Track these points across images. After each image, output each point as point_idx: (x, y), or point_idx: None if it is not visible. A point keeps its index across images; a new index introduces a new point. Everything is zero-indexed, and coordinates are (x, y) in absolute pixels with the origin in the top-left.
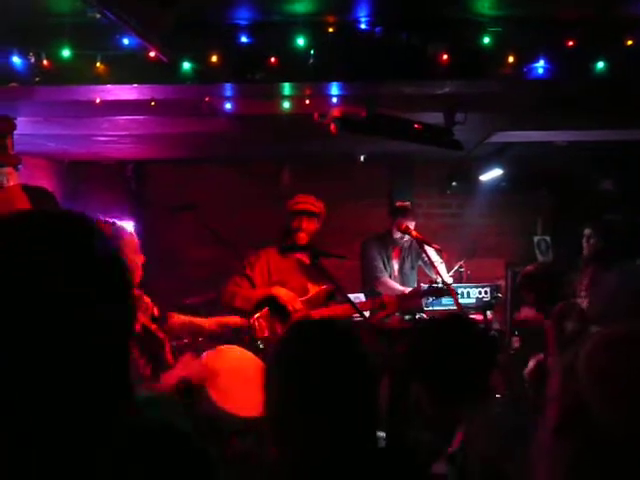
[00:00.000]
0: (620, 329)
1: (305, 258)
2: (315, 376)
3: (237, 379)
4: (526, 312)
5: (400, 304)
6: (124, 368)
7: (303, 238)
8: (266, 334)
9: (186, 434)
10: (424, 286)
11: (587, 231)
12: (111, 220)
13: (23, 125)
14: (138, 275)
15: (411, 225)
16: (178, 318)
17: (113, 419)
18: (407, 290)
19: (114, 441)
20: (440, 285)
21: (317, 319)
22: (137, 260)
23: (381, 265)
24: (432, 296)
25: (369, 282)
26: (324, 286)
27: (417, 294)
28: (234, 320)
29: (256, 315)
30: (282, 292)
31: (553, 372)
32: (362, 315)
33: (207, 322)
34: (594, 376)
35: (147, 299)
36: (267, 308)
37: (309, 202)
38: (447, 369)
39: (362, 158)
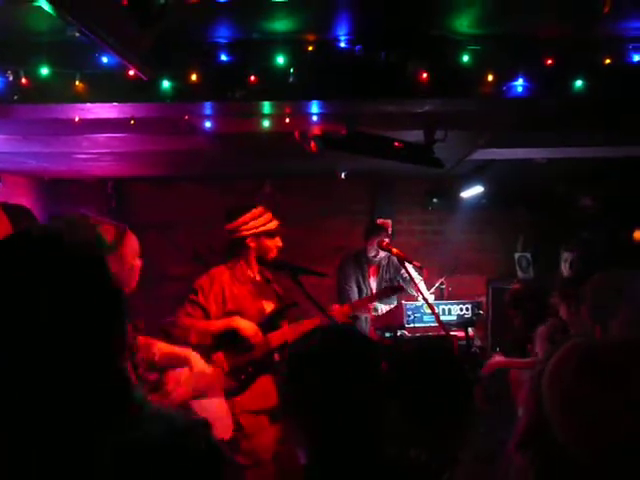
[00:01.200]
0: (584, 345)
1: (257, 275)
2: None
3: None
4: (497, 359)
5: (350, 311)
6: (116, 381)
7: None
8: (227, 369)
9: (190, 452)
10: (405, 304)
11: (566, 255)
12: (114, 222)
13: (2, 143)
14: (135, 280)
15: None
16: (159, 349)
17: (101, 434)
18: (382, 308)
19: (97, 457)
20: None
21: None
22: (136, 264)
23: (352, 286)
24: (385, 297)
25: (339, 302)
26: (273, 306)
27: (370, 299)
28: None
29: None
30: (243, 324)
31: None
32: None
33: (193, 359)
34: (556, 396)
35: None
36: (214, 340)
37: (273, 218)
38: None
39: (343, 175)
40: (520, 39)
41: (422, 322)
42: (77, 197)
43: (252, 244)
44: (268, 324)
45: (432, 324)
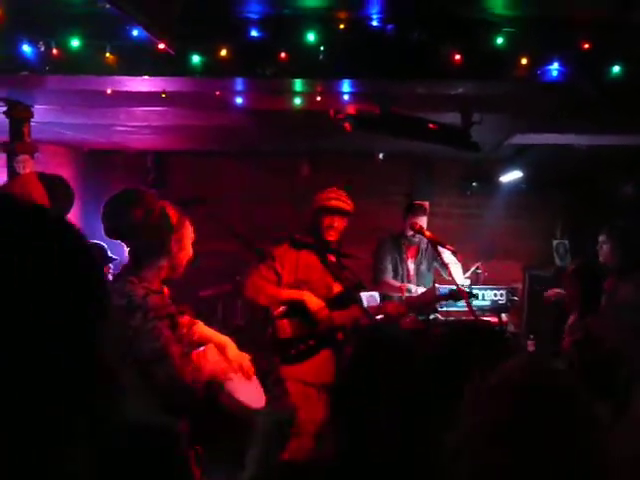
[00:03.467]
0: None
1: (332, 256)
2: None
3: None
4: None
5: (406, 311)
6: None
7: (333, 236)
8: (289, 336)
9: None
10: (438, 287)
11: (601, 237)
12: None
13: (41, 113)
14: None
15: (423, 222)
16: (199, 330)
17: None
18: (417, 290)
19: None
20: (454, 288)
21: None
22: (191, 250)
23: (388, 266)
24: (445, 301)
25: (373, 283)
26: (344, 287)
27: (428, 302)
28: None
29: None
30: (312, 299)
31: None
32: (372, 319)
33: (229, 346)
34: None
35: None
36: (285, 307)
37: (342, 199)
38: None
39: (381, 156)
40: (556, 22)
41: (455, 306)
42: (116, 169)
43: (313, 219)
44: (336, 302)
45: (465, 309)
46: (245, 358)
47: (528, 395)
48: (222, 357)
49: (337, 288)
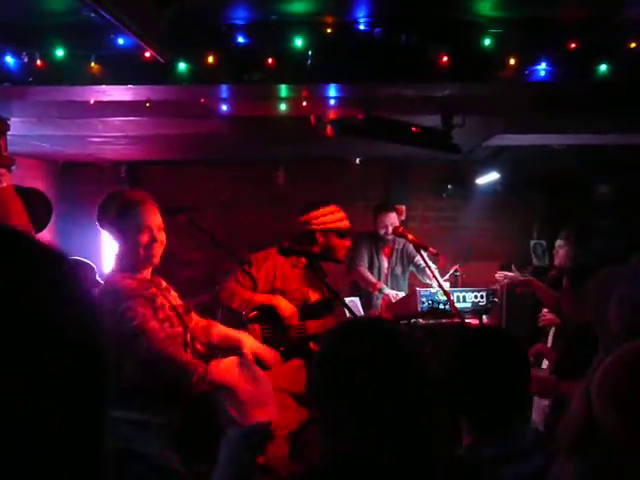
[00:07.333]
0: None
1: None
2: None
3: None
4: None
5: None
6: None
7: (344, 256)
8: (259, 341)
9: None
10: (419, 290)
11: (559, 242)
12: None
13: (17, 126)
14: (156, 254)
15: (394, 220)
16: (217, 331)
17: None
18: (391, 293)
19: None
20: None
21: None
22: (147, 237)
23: (364, 256)
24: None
25: (347, 270)
26: (322, 297)
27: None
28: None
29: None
30: (283, 304)
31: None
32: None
33: (244, 340)
34: (609, 400)
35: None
36: (257, 312)
37: (346, 218)
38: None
39: (357, 160)
40: (543, 22)
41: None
42: (90, 181)
43: (320, 239)
44: (310, 311)
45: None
46: (264, 349)
47: None
48: (240, 371)
49: (314, 297)
